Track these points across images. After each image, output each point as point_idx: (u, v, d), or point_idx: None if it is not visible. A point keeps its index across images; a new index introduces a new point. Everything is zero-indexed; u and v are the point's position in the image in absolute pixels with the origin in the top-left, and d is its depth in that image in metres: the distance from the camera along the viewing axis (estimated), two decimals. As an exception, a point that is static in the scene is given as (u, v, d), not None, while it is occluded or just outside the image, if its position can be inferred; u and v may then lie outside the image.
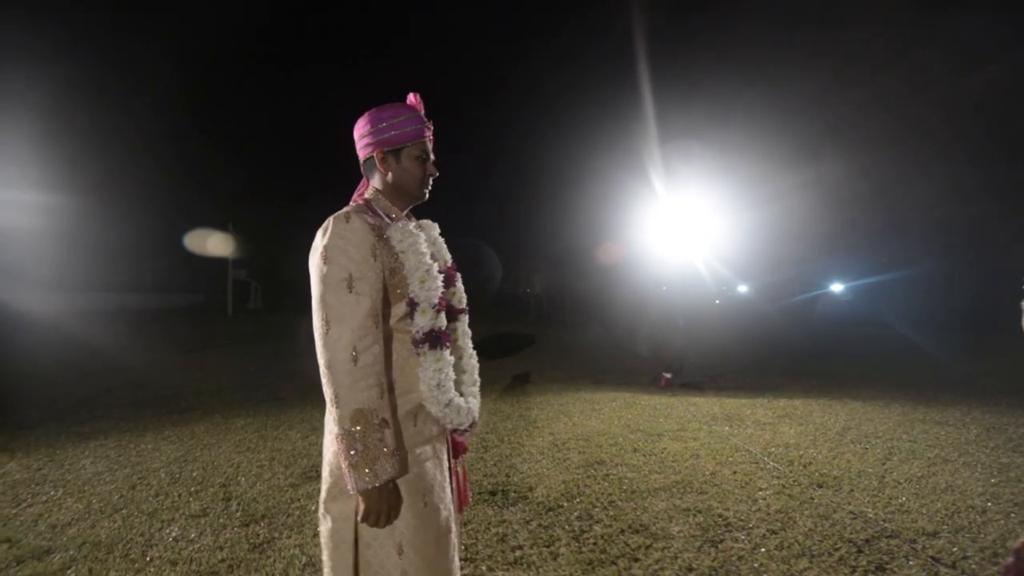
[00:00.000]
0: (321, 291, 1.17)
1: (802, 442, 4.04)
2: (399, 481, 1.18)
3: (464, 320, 1.47)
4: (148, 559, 2.30)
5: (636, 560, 2.27)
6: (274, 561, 2.29)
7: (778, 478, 3.25)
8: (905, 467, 3.47)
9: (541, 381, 6.82)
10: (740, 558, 2.29)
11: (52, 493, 3.00)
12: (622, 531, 2.54)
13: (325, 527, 1.23)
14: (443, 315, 1.31)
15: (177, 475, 3.32)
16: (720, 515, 2.70)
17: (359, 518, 1.15)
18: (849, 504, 2.86)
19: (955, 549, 2.39)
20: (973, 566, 2.25)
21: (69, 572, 2.18)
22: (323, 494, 1.24)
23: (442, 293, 1.30)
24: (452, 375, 1.29)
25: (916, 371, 7.55)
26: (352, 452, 1.12)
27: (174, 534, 2.54)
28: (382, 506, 1.14)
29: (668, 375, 6.55)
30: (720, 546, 2.39)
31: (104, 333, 11.75)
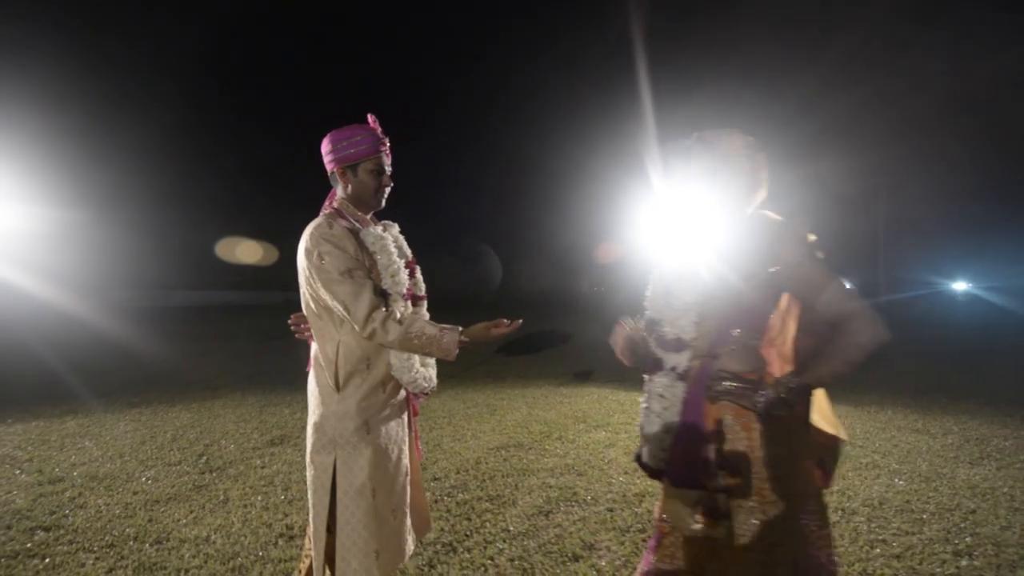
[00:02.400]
0: (330, 286, 1.46)
1: (736, 440, 4.12)
2: (371, 439, 1.51)
3: (423, 306, 1.74)
4: (121, 490, 3.10)
5: (468, 520, 2.68)
6: (201, 497, 2.98)
7: (670, 468, 3.44)
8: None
9: (536, 376, 7.19)
10: (557, 525, 2.61)
11: (86, 444, 3.97)
12: (479, 499, 2.94)
13: (310, 474, 1.54)
14: (409, 302, 1.61)
15: (179, 436, 4.19)
16: (575, 493, 3.01)
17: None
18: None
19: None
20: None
21: (66, 493, 3.02)
22: (309, 447, 1.55)
23: (409, 285, 1.61)
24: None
25: (944, 377, 6.94)
26: (423, 353, 1.47)
27: (149, 475, 3.34)
28: (481, 339, 1.50)
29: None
30: (549, 516, 2.73)
31: (197, 326, 13.77)
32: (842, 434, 1.38)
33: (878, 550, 2.41)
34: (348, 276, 1.46)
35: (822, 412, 1.38)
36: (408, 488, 1.62)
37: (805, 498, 1.27)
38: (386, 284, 1.56)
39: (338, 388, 1.52)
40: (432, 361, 1.71)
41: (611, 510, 2.80)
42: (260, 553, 2.36)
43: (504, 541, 2.46)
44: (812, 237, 1.30)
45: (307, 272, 1.52)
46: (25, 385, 6.08)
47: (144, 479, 3.27)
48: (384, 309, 1.48)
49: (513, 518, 2.70)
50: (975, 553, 2.39)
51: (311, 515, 1.55)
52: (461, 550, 2.38)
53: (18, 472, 3.34)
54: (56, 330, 11.84)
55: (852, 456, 3.76)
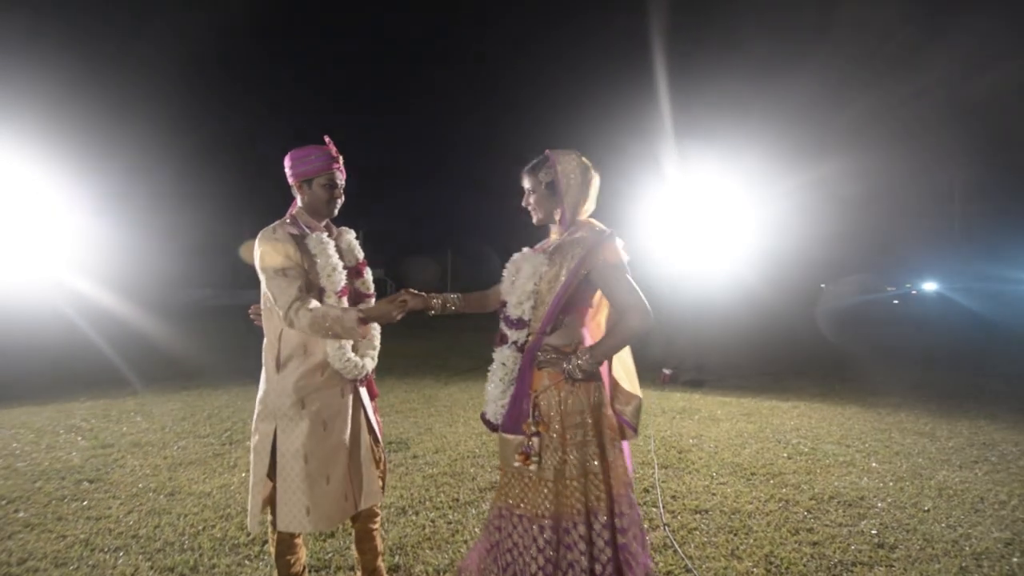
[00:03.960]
0: (267, 281, 1.74)
1: (719, 437, 4.20)
2: (306, 413, 1.74)
3: (369, 303, 1.97)
4: (156, 455, 3.69)
5: (426, 490, 3.02)
6: (215, 462, 3.51)
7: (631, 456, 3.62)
8: (772, 465, 3.54)
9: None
10: (502, 499, 2.89)
11: (137, 419, 4.67)
12: (443, 474, 3.27)
13: (253, 440, 1.82)
14: (344, 299, 1.83)
15: (214, 414, 4.82)
16: (532, 473, 3.27)
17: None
18: (644, 481, 3.17)
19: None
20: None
21: (112, 455, 3.65)
22: (254, 416, 1.80)
23: (346, 284, 1.83)
24: (349, 341, 1.80)
25: (984, 381, 6.50)
26: (333, 334, 1.69)
27: (180, 444, 3.93)
28: (382, 319, 1.76)
29: (668, 371, 6.70)
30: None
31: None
32: (638, 392, 1.63)
33: (798, 536, 2.51)
34: (282, 274, 1.72)
35: (628, 374, 1.63)
36: (347, 459, 1.85)
37: (608, 442, 1.53)
38: (323, 283, 1.80)
39: (278, 368, 1.77)
40: (372, 352, 1.97)
41: (558, 489, 3.04)
42: (247, 506, 2.81)
43: (450, 508, 2.78)
44: (620, 243, 1.54)
45: (256, 268, 1.80)
46: (99, 373, 7.04)
47: (176, 447, 3.86)
48: (299, 302, 1.71)
49: (465, 491, 3.01)
50: (899, 546, 2.44)
51: (251, 471, 1.82)
52: (410, 513, 2.72)
53: (79, 438, 4.04)
54: (127, 328, 13.39)
55: (831, 454, 3.77)
